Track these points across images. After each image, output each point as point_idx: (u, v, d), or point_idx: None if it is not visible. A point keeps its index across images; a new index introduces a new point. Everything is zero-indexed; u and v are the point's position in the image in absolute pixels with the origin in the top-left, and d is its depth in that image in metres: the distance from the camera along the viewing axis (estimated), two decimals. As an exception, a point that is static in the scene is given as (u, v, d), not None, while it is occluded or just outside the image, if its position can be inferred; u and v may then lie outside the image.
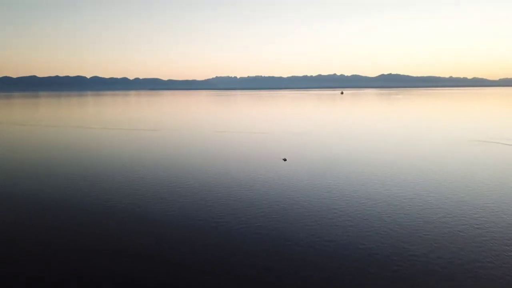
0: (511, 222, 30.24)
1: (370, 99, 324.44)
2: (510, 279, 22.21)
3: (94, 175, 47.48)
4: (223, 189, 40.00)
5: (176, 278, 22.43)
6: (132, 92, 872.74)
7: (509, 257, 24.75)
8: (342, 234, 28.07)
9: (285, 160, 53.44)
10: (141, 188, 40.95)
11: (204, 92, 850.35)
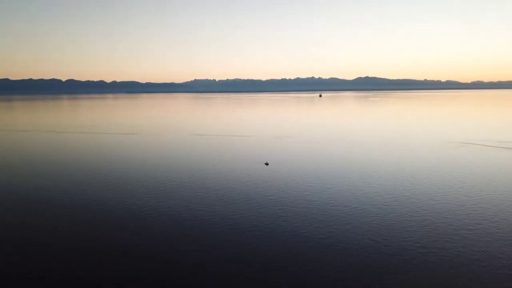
0: (493, 219, 31.17)
1: (349, 102, 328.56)
2: (486, 268, 22.66)
3: (72, 179, 46.29)
4: (206, 194, 39.73)
5: (157, 274, 22.36)
6: (109, 96, 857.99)
7: (488, 247, 25.39)
8: (329, 233, 28.49)
9: (267, 164, 53.34)
10: (119, 192, 40.34)
11: (183, 95, 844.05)
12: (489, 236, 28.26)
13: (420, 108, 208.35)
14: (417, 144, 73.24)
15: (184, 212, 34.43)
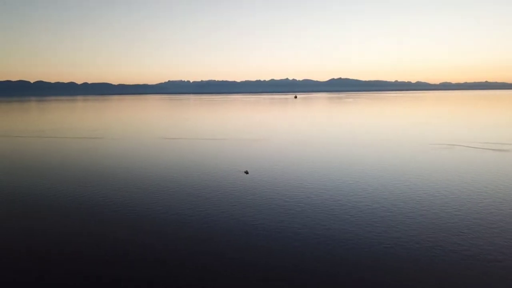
0: (481, 219, 28.15)
1: (324, 103, 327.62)
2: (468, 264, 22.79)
3: (31, 186, 39.92)
4: (181, 208, 34.21)
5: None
6: (80, 98, 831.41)
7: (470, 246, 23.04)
8: (322, 246, 25.10)
9: (247, 173, 47.83)
10: (81, 200, 34.24)
11: (156, 97, 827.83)
12: (487, 235, 27.48)
13: (395, 109, 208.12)
14: (400, 146, 69.58)
15: (157, 231, 30.34)
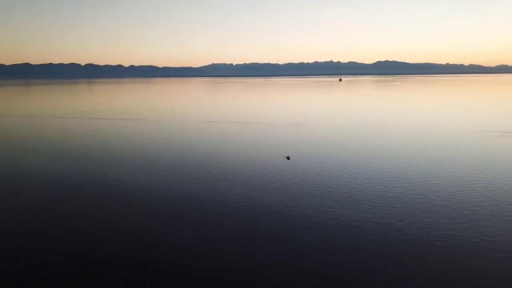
0: None
1: (369, 86, 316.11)
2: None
3: (79, 165, 38.53)
4: (220, 194, 32.23)
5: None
6: (127, 80, 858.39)
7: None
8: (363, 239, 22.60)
9: (288, 158, 45.07)
10: (123, 182, 33.24)
11: (199, 80, 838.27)
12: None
13: (446, 93, 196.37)
14: (451, 133, 63.85)
15: (199, 210, 29.42)
